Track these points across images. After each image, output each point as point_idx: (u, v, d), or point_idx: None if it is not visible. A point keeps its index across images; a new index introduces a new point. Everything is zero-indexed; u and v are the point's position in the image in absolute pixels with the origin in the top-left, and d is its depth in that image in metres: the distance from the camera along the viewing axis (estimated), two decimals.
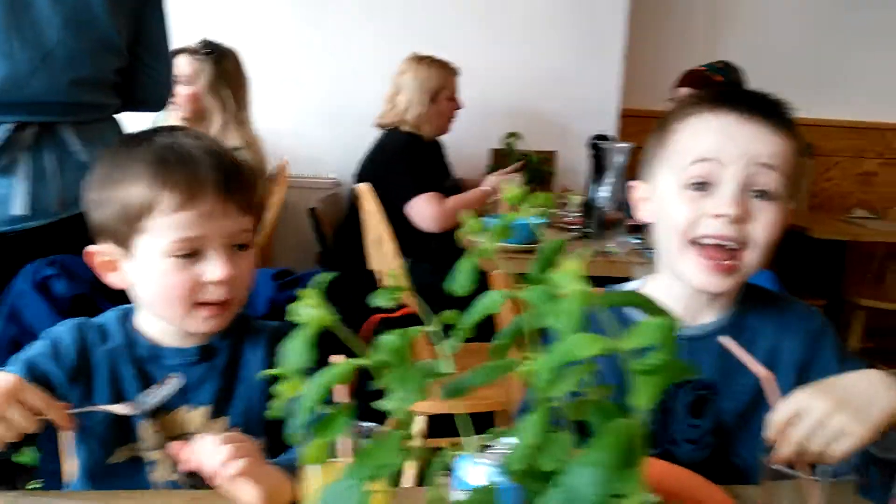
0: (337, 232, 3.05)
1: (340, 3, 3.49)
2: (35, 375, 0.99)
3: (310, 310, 0.48)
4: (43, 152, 1.56)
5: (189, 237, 0.98)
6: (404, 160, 2.96)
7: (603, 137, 3.03)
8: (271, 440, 1.02)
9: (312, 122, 3.55)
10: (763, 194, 0.98)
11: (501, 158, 3.41)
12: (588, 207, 2.65)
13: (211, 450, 0.84)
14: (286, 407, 0.54)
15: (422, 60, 3.07)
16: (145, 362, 1.04)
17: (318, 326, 0.47)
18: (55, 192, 1.56)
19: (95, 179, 1.05)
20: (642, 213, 1.10)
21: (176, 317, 1.02)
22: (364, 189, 2.31)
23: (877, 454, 0.88)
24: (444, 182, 3.17)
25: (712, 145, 0.99)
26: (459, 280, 0.60)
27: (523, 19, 3.58)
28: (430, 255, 2.78)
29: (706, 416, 1.04)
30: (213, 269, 0.99)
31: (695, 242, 1.00)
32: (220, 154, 1.03)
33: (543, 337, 0.67)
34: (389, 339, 0.50)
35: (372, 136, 3.12)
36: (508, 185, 2.58)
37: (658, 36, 3.90)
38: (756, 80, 3.31)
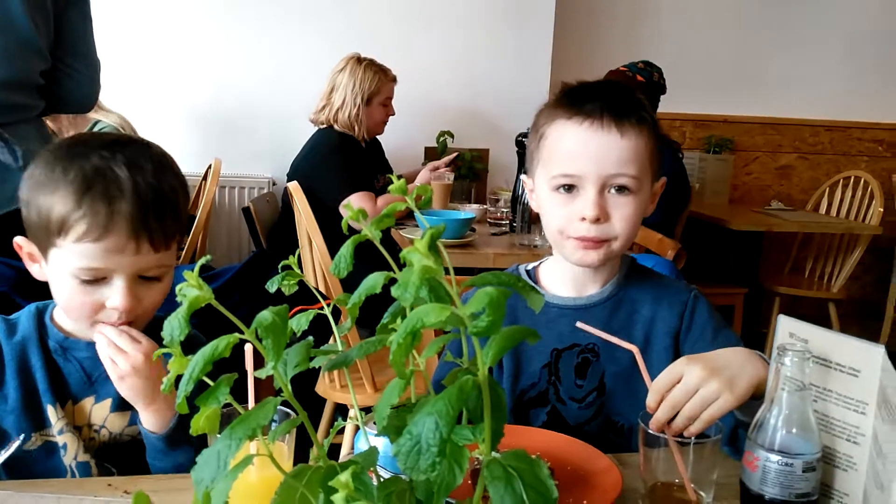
0: (271, 231, 3.08)
1: (277, 2, 3.52)
2: None
3: (191, 290, 0.54)
4: None
5: (94, 267, 1.00)
6: (337, 159, 3.00)
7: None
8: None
9: (248, 121, 3.56)
10: (621, 189, 1.10)
11: (435, 156, 3.49)
12: (514, 203, 2.74)
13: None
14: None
15: (361, 62, 3.12)
16: (54, 353, 1.08)
17: (195, 304, 0.53)
18: None
19: (30, 177, 1.05)
20: (532, 204, 1.22)
21: (78, 325, 1.08)
22: (294, 187, 2.34)
23: (744, 419, 0.98)
24: (382, 179, 3.23)
25: (570, 157, 1.10)
26: (338, 263, 0.66)
27: (456, 22, 3.68)
28: (360, 253, 2.82)
29: (590, 378, 1.16)
30: (115, 298, 1.01)
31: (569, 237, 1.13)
32: (151, 188, 1.01)
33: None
34: (264, 314, 0.56)
35: (308, 134, 3.16)
36: (439, 182, 2.64)
37: (582, 37, 4.03)
38: (677, 80, 3.46)
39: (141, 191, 1.00)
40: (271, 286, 0.75)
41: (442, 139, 3.55)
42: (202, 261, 0.57)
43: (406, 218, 2.98)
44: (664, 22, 4.13)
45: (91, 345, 1.08)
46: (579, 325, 1.00)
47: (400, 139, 3.52)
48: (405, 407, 0.62)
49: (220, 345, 0.56)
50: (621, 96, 1.12)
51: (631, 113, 1.10)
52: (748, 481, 0.83)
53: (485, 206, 3.12)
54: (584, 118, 1.09)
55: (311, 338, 0.65)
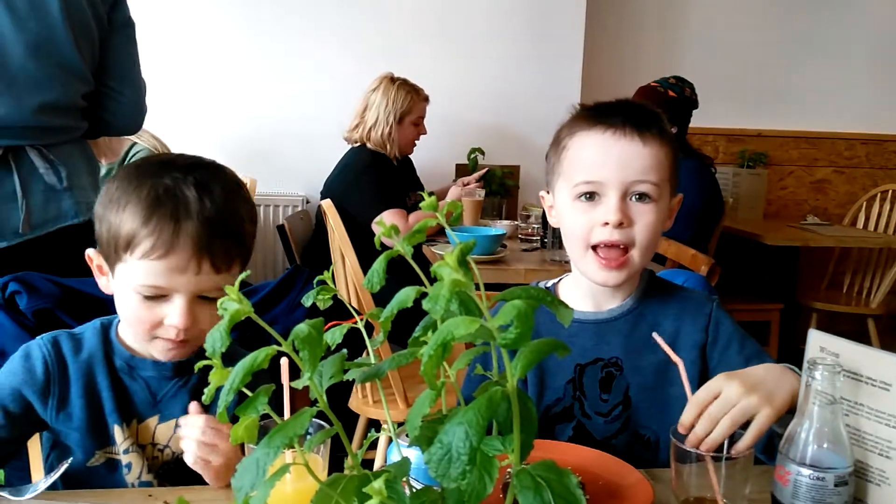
0: (305, 248, 3.12)
1: (308, 21, 3.60)
2: (11, 392, 1.05)
3: (231, 304, 0.56)
4: (9, 175, 1.61)
5: (156, 285, 1.02)
6: (369, 177, 3.04)
7: None
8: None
9: (281, 140, 3.63)
10: (642, 196, 1.11)
11: (465, 173, 3.52)
12: (545, 219, 2.74)
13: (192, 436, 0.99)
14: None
15: (394, 81, 3.16)
16: (120, 372, 1.10)
17: (235, 317, 0.55)
18: (21, 214, 1.61)
19: (105, 193, 1.07)
20: (551, 220, 1.23)
21: (138, 340, 1.10)
22: (327, 205, 2.38)
23: (780, 432, 0.98)
24: (414, 197, 3.26)
25: (592, 165, 1.12)
26: (371, 278, 0.68)
27: (486, 39, 3.71)
28: (392, 269, 2.85)
29: (614, 391, 1.16)
30: (173, 315, 1.03)
31: (591, 247, 1.13)
32: (217, 211, 1.03)
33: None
34: (301, 327, 0.58)
35: (341, 153, 3.21)
36: (469, 198, 2.65)
37: (612, 52, 4.03)
38: (709, 95, 3.45)
39: (206, 213, 1.02)
40: (307, 300, 0.77)
41: (473, 156, 3.57)
42: (242, 276, 0.60)
43: (437, 235, 3.00)
44: (695, 36, 4.12)
45: (156, 364, 1.10)
46: (655, 336, 1.01)
47: (431, 156, 3.56)
48: (436, 418, 0.64)
49: (259, 356, 0.58)
50: (641, 109, 1.15)
51: (652, 124, 1.12)
52: (780, 495, 0.83)
53: (516, 223, 3.13)
54: (607, 127, 1.12)
55: (344, 350, 0.67)
